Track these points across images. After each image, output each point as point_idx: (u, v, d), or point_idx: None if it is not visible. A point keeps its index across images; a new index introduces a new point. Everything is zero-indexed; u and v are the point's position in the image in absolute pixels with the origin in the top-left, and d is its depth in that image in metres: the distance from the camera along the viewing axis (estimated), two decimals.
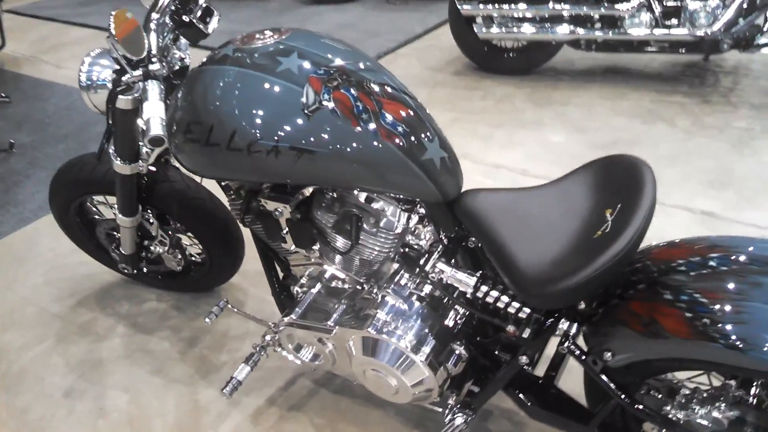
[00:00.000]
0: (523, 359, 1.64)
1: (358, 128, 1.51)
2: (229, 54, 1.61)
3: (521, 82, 4.42)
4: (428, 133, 1.60)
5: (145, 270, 2.49)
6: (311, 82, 1.54)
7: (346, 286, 1.93)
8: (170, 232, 2.35)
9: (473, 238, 1.70)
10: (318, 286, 1.96)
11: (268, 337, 2.03)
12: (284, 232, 1.82)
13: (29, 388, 2.29)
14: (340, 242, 1.78)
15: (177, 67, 1.78)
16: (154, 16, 1.53)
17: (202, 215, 2.27)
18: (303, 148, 1.52)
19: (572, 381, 1.84)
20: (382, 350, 1.78)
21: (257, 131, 1.51)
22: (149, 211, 2.25)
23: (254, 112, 1.52)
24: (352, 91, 1.55)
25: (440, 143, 1.62)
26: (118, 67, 1.66)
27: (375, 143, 1.52)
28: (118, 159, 1.95)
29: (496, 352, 1.84)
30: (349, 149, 1.52)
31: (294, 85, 1.53)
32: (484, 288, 1.66)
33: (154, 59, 1.45)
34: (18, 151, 3.85)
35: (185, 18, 1.64)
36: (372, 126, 1.52)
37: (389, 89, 1.61)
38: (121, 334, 2.50)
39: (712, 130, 3.69)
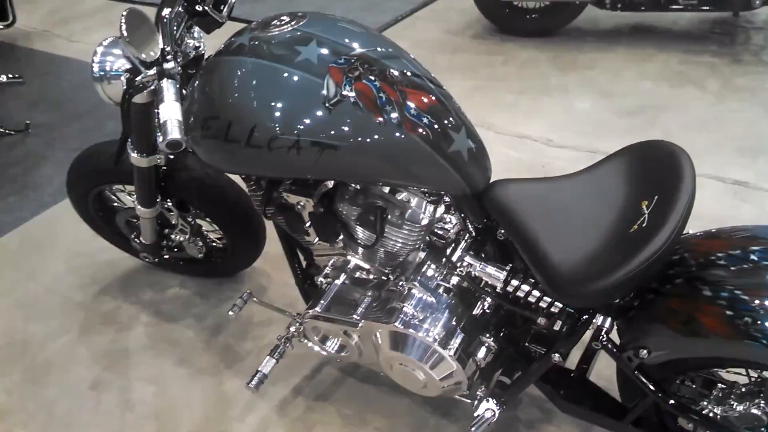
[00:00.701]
0: (556, 356, 1.59)
1: (382, 120, 1.45)
2: (245, 43, 1.54)
3: (544, 45, 4.28)
4: (454, 124, 1.53)
5: (166, 257, 2.45)
6: (332, 73, 1.47)
7: (371, 276, 1.88)
8: (190, 220, 2.31)
9: (502, 231, 1.64)
10: (342, 277, 1.91)
11: (292, 329, 2.00)
12: (307, 225, 1.77)
13: (55, 381, 2.28)
14: (365, 235, 1.73)
15: (192, 56, 1.71)
16: (166, 11, 1.45)
17: (222, 202, 2.23)
18: (325, 143, 1.46)
19: (605, 371, 1.79)
20: (409, 345, 1.74)
21: (277, 126, 1.45)
22: (168, 200, 2.20)
23: (274, 106, 1.46)
24: (375, 81, 1.48)
25: (467, 133, 1.55)
26: (130, 66, 1.60)
27: (399, 136, 1.46)
28: (135, 152, 1.90)
29: (526, 344, 1.79)
30: (372, 143, 1.46)
31: (314, 76, 1.46)
32: (514, 282, 1.60)
33: (168, 57, 1.38)
34: (34, 131, 3.81)
35: (198, 7, 1.56)
36: (396, 118, 1.45)
37: (413, 77, 1.53)
38: (145, 323, 2.48)
39: (744, 93, 3.56)
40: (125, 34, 1.34)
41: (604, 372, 1.80)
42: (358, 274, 1.90)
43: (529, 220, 1.51)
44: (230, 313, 2.02)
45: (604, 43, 4.23)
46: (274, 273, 2.63)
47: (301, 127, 1.45)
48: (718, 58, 3.92)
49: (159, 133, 1.33)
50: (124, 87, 1.63)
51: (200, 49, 1.72)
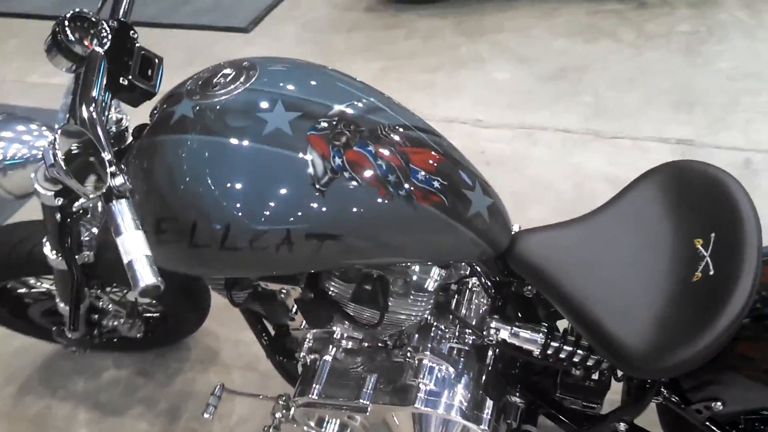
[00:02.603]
0: (623, 426, 1.40)
1: (387, 195, 1.17)
2: (188, 115, 1.21)
3: (444, 11, 4.04)
4: (467, 181, 1.27)
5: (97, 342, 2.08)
6: (313, 144, 1.17)
7: (365, 344, 1.62)
8: (125, 301, 1.94)
9: (529, 287, 1.41)
10: (331, 351, 1.63)
11: (279, 415, 1.71)
12: (293, 312, 1.48)
13: None
14: (366, 314, 1.46)
15: (112, 132, 1.34)
16: (90, 108, 1.08)
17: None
18: (323, 234, 1.17)
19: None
20: (432, 425, 1.51)
21: (259, 222, 1.15)
22: (96, 286, 1.84)
23: (249, 197, 1.15)
24: (367, 145, 1.19)
25: (482, 189, 1.30)
26: (60, 185, 1.22)
27: (411, 209, 1.19)
28: (54, 253, 1.53)
29: (559, 395, 1.59)
30: (380, 223, 1.19)
31: (292, 151, 1.17)
32: (554, 344, 1.39)
33: (113, 169, 1.03)
34: None
35: (123, 80, 1.20)
36: (403, 188, 1.18)
37: (408, 131, 1.26)
38: (85, 423, 2.10)
39: (659, 40, 3.48)
40: (60, 161, 0.97)
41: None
42: (349, 345, 1.63)
43: (567, 276, 1.29)
44: (206, 416, 1.70)
45: (504, 1, 4.04)
46: (221, 330, 2.31)
47: (290, 219, 1.16)
48: (623, 4, 3.82)
49: (129, 274, 0.99)
50: (58, 203, 1.26)
51: (122, 122, 1.35)
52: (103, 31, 1.21)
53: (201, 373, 2.18)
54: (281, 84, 1.26)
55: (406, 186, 1.19)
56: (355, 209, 1.17)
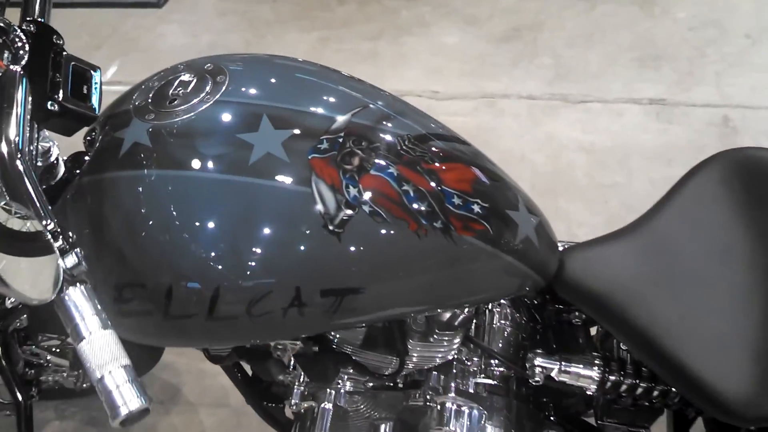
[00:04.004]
0: None
1: (420, 229, 0.91)
2: (142, 142, 0.92)
3: None
4: (510, 199, 1.02)
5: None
6: (317, 170, 0.89)
7: (369, 384, 1.36)
8: (65, 349, 1.62)
9: (576, 313, 1.18)
10: (331, 396, 1.36)
11: None
12: (291, 368, 1.21)
13: None
14: (382, 362, 1.19)
15: (40, 165, 1.01)
16: (29, 185, 0.75)
17: None
18: (342, 289, 0.90)
19: None
20: None
21: (257, 282, 0.87)
22: (30, 342, 1.51)
23: (243, 250, 0.87)
24: (388, 166, 0.92)
25: (527, 206, 1.05)
26: None
27: (449, 244, 0.93)
28: None
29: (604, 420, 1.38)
30: (413, 267, 0.93)
31: (290, 184, 0.89)
32: (612, 378, 1.16)
33: (60, 243, 0.71)
34: None
35: (52, 106, 0.87)
36: (438, 219, 0.92)
37: (433, 143, 0.99)
38: None
39: None
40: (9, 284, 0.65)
41: None
42: (351, 387, 1.37)
43: (632, 301, 1.05)
44: None
45: None
46: (179, 361, 2.00)
47: (299, 273, 0.88)
48: None
49: (102, 398, 0.69)
50: None
51: (51, 152, 1.02)
52: (17, 39, 0.87)
53: (162, 416, 1.88)
54: (262, 92, 0.97)
55: (442, 215, 0.92)
56: (380, 253, 0.91)
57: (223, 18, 3.53)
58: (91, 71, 0.95)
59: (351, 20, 3.39)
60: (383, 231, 0.90)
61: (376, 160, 0.92)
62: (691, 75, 2.72)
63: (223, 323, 0.90)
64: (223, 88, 0.95)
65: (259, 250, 0.87)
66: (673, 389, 1.13)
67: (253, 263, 0.87)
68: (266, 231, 0.87)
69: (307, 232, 0.87)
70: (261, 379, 1.48)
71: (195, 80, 0.97)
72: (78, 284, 0.71)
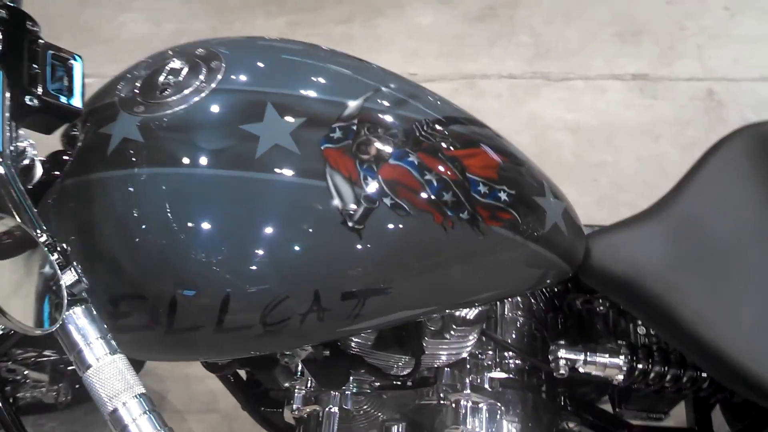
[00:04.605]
0: None
1: (446, 221, 0.84)
2: (133, 137, 0.83)
3: None
4: (536, 185, 0.95)
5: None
6: (332, 162, 0.81)
7: (376, 383, 1.29)
8: (42, 363, 1.52)
9: (600, 301, 1.12)
10: (336, 399, 1.28)
11: None
12: (298, 375, 1.13)
13: None
14: (397, 363, 1.12)
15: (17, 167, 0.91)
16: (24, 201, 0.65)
17: None
18: (365, 290, 0.82)
19: None
20: None
21: (272, 288, 0.79)
22: (5, 359, 1.40)
23: (254, 254, 0.79)
24: (408, 154, 0.84)
25: (553, 191, 0.98)
26: None
27: (477, 236, 0.86)
28: None
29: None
30: (439, 262, 0.86)
31: (303, 178, 0.81)
32: (641, 366, 1.10)
33: (55, 257, 0.62)
34: None
35: (31, 101, 0.77)
36: (465, 209, 0.85)
37: (453, 126, 0.91)
38: None
39: None
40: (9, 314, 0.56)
41: None
42: (356, 389, 1.29)
43: (666, 286, 0.99)
44: None
45: None
46: (163, 366, 1.90)
47: (317, 276, 0.81)
48: None
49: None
50: None
51: (25, 153, 0.92)
52: None
53: None
54: (263, 78, 0.88)
55: (468, 205, 0.85)
56: (404, 249, 0.83)
57: (188, 5, 3.38)
58: (72, 60, 0.84)
59: (321, 3, 3.27)
60: (407, 225, 0.82)
61: (395, 149, 0.84)
62: (673, 49, 2.68)
63: (234, 334, 0.82)
64: (220, 75, 0.86)
65: (272, 253, 0.79)
66: (704, 374, 1.08)
67: (266, 267, 0.79)
68: (278, 231, 0.79)
69: (325, 229, 0.80)
70: (258, 383, 1.40)
71: (187, 67, 0.88)
72: (79, 304, 0.62)
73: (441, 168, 0.85)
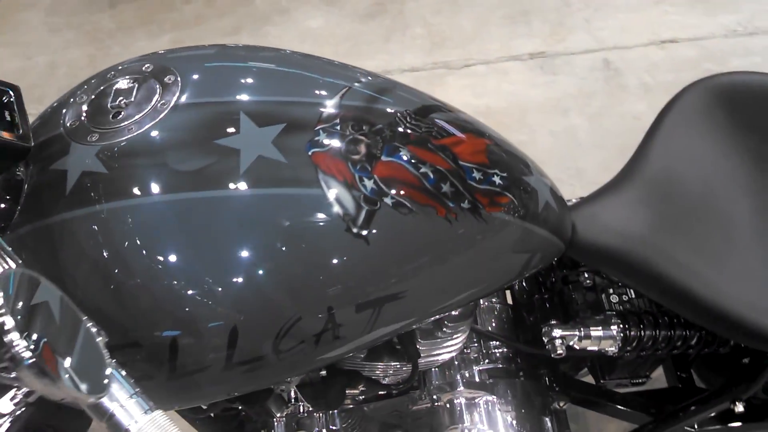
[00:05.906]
0: (741, 406, 1.14)
1: (449, 213, 0.80)
2: (95, 170, 0.74)
3: None
4: (522, 165, 0.92)
5: None
6: (323, 166, 0.75)
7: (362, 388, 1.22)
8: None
9: (586, 275, 1.11)
10: (322, 421, 1.21)
11: None
12: (292, 402, 1.05)
13: None
14: (394, 372, 1.07)
15: None
16: None
17: None
18: (380, 297, 0.77)
19: None
20: None
21: (283, 312, 0.73)
22: None
23: (257, 277, 0.72)
24: (399, 150, 0.80)
25: (537, 169, 0.96)
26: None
27: (480, 224, 0.83)
28: None
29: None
30: (448, 256, 0.81)
31: (296, 187, 0.74)
32: (633, 333, 1.10)
33: None
34: None
35: None
36: (465, 198, 0.81)
37: (433, 115, 0.87)
38: None
39: None
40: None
41: None
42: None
43: (654, 252, 0.98)
44: None
45: None
46: None
47: (329, 290, 0.74)
48: None
49: None
50: None
51: None
52: None
53: None
54: (227, 87, 0.81)
55: (467, 194, 0.81)
56: (412, 247, 0.78)
57: (58, 34, 3.16)
58: (10, 90, 0.74)
59: (202, 17, 3.15)
60: (411, 222, 0.77)
61: (384, 144, 0.79)
62: (562, 25, 2.76)
63: (246, 367, 0.74)
64: (178, 89, 0.78)
65: (276, 273, 0.72)
66: (693, 331, 1.09)
67: (272, 290, 0.72)
68: (279, 248, 0.72)
69: (329, 239, 0.73)
70: (229, 418, 1.30)
71: (137, 86, 0.79)
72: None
73: (434, 159, 0.80)
